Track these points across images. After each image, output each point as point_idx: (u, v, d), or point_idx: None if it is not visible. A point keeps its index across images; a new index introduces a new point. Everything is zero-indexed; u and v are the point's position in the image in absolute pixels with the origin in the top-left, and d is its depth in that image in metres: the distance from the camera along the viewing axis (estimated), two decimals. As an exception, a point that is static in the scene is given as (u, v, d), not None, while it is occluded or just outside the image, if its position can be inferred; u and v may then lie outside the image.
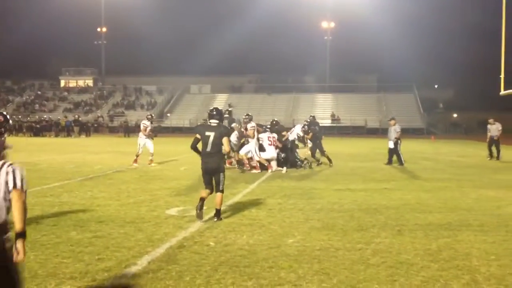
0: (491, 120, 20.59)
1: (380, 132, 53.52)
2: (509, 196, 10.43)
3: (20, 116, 53.44)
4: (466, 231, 7.18)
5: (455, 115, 73.21)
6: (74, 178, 12.89)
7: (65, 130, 44.98)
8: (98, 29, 76.72)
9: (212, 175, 7.98)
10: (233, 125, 15.53)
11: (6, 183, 3.35)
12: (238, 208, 8.81)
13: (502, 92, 20.77)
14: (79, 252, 5.92)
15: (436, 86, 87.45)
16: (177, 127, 58.64)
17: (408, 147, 30.16)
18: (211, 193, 7.95)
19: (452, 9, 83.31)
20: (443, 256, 5.90)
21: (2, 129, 4.99)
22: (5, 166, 3.39)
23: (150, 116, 17.81)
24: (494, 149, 20.06)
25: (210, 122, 8.14)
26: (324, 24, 71.77)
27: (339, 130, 53.93)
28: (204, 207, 7.78)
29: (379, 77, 74.71)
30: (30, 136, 44.92)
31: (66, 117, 49.97)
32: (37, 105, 65.77)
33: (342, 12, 69.55)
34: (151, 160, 16.64)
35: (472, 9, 77.40)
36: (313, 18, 73.06)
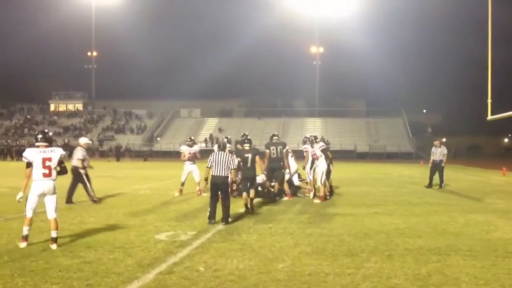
0: (436, 142, 18.39)
1: (370, 157, 53.89)
2: (497, 221, 10.50)
3: (9, 140, 53.11)
4: (455, 255, 7.21)
5: (443, 140, 73.82)
6: (63, 203, 12.79)
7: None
8: (89, 53, 76.99)
9: (250, 181, 11.50)
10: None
11: None
12: (228, 232, 8.80)
13: (490, 117, 20.94)
14: (68, 278, 5.88)
15: (424, 110, 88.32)
16: (167, 151, 58.56)
17: (397, 171, 30.35)
18: (248, 195, 11.28)
19: (439, 35, 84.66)
20: (433, 281, 5.93)
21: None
22: None
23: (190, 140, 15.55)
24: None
25: (244, 147, 11.92)
26: (313, 49, 72.56)
27: (329, 154, 54.01)
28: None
29: (368, 101, 75.60)
30: (19, 160, 44.58)
31: (55, 141, 49.75)
32: (26, 129, 65.46)
33: (331, 37, 70.64)
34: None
35: (458, 35, 78.70)
36: (302, 43, 74.11)
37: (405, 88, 76.88)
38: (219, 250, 7.41)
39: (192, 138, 15.86)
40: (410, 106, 70.76)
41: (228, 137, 16.03)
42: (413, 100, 76.35)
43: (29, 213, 7.48)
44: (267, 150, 13.52)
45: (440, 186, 18.01)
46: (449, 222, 10.22)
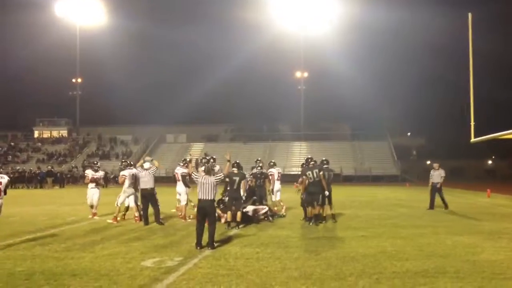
0: (435, 165, 18.97)
1: (356, 180, 54.01)
2: (483, 242, 10.54)
3: (-8, 167, 52.45)
4: (443, 278, 7.21)
5: (428, 162, 74.29)
6: (47, 230, 12.64)
7: (37, 181, 44.08)
8: (73, 80, 76.73)
9: (236, 201, 12.88)
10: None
11: None
12: (215, 257, 8.72)
13: (473, 139, 21.18)
14: (52, 307, 5.77)
15: (409, 134, 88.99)
16: (152, 177, 58.07)
17: (383, 194, 30.45)
18: (232, 214, 12.78)
19: (422, 60, 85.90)
20: (421, 303, 5.90)
21: None
22: None
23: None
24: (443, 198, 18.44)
25: (233, 170, 12.98)
26: (298, 74, 73.17)
27: (315, 178, 54.12)
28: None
29: (353, 125, 75.84)
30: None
31: (39, 168, 49.22)
32: (10, 157, 64.78)
33: (315, 62, 71.27)
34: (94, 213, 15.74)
35: (441, 60, 79.93)
36: (287, 68, 74.68)
37: (389, 111, 77.52)
38: (206, 276, 7.34)
39: (98, 164, 16.72)
40: (394, 129, 71.27)
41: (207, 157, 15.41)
42: (397, 124, 76.97)
43: None
44: (304, 176, 13.77)
45: (445, 207, 18.35)
46: (436, 244, 10.24)
